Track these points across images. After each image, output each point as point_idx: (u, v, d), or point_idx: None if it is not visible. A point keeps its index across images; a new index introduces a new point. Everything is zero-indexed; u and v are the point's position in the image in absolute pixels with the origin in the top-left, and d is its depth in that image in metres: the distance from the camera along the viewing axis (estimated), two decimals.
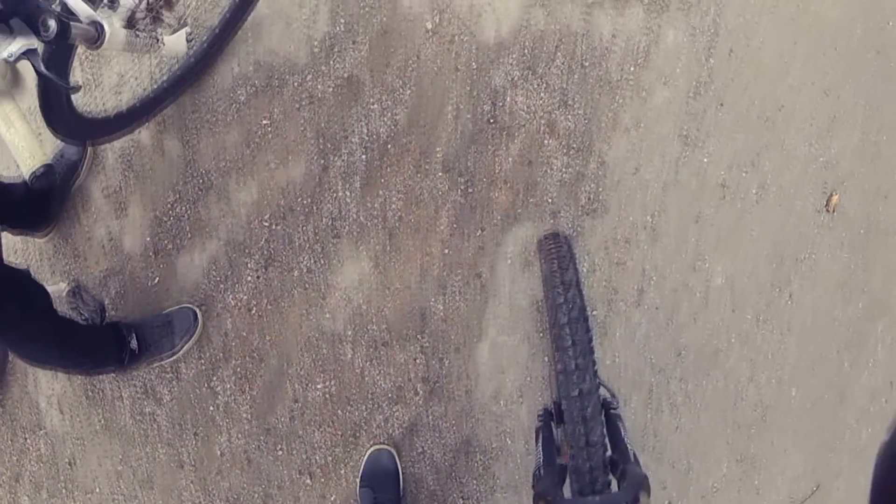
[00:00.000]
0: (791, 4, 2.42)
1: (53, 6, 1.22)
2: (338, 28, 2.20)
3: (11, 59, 1.17)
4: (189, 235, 2.15)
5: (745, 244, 2.30)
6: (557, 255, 1.79)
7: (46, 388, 2.22)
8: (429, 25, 2.21)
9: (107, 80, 2.17)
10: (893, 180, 2.52)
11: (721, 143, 2.25)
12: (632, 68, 2.24)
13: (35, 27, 1.17)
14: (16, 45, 1.18)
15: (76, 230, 2.21)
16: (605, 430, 1.47)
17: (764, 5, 2.40)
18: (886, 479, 1.01)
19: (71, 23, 1.25)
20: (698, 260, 2.26)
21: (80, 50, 1.67)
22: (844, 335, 2.47)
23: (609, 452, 1.46)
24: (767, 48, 2.36)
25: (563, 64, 2.22)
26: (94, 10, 1.31)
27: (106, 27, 1.34)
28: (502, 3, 2.23)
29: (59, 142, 1.98)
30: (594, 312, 2.20)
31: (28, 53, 1.20)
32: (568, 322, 1.58)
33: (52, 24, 1.18)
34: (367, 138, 2.13)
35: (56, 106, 1.58)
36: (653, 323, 2.25)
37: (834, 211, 2.40)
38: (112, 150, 2.21)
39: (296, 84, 2.19)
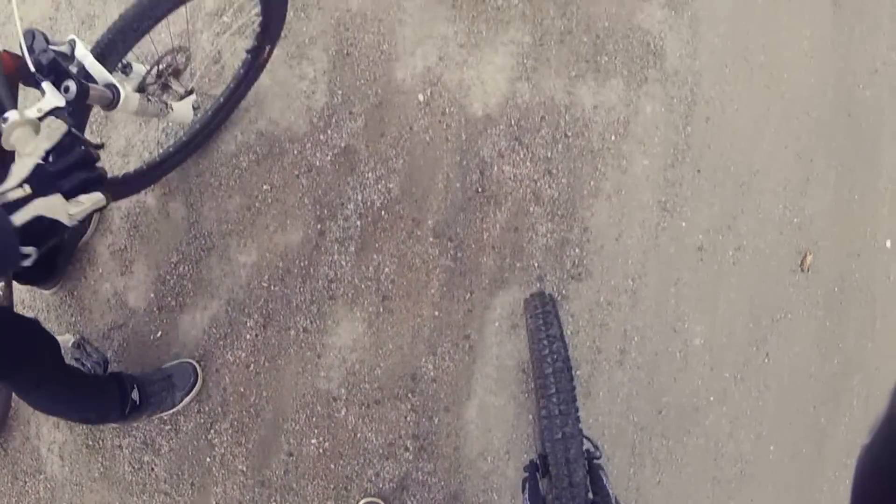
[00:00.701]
0: (764, 73, 2.63)
1: (71, 67, 1.33)
2: (335, 100, 2.39)
3: (40, 116, 1.24)
4: (191, 294, 2.33)
5: (722, 305, 2.48)
6: (543, 311, 1.98)
7: (48, 435, 2.39)
8: (421, 98, 2.40)
9: (114, 144, 2.35)
10: (865, 239, 2.71)
11: (699, 208, 2.45)
12: (613, 138, 2.43)
13: (56, 88, 1.26)
14: (45, 103, 1.26)
15: (82, 285, 2.41)
16: (587, 474, 1.63)
17: (739, 75, 2.61)
18: (867, 481, 1.05)
19: (90, 85, 1.34)
20: (678, 321, 2.44)
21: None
22: (821, 391, 2.65)
23: (591, 496, 1.61)
24: (742, 116, 2.57)
25: (547, 135, 2.41)
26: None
27: (121, 91, 1.44)
28: (490, 78, 2.42)
29: None
30: (578, 372, 2.38)
31: (56, 111, 1.27)
32: (553, 372, 1.75)
33: (73, 86, 1.29)
34: (362, 206, 2.32)
35: None
36: (635, 382, 2.42)
37: (808, 270, 2.58)
38: (119, 211, 2.40)
39: (295, 152, 2.41)
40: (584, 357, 2.40)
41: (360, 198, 2.34)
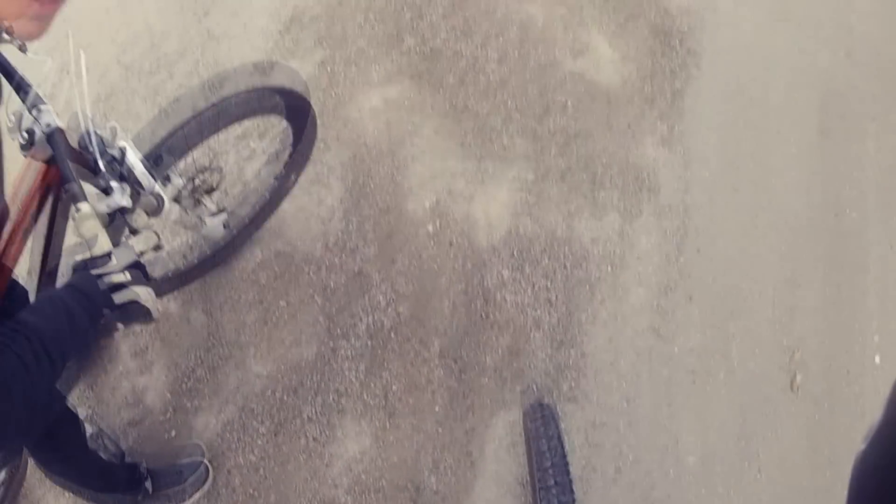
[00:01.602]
0: (753, 204, 3.05)
1: (128, 210, 1.49)
2: (350, 227, 2.72)
3: (107, 213, 1.41)
4: (207, 398, 2.61)
5: (715, 424, 2.74)
6: (542, 415, 2.23)
7: None
8: (430, 229, 2.71)
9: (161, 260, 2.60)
10: (853, 358, 2.97)
11: (691, 334, 2.75)
12: (609, 269, 2.72)
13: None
14: (113, 202, 1.42)
15: (102, 380, 2.65)
16: None
17: (729, 206, 3.04)
18: (862, 488, 1.07)
19: (141, 192, 1.51)
20: (671, 440, 2.70)
21: None
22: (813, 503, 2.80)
23: None
24: (732, 245, 2.94)
25: (548, 266, 2.71)
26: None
27: (165, 200, 1.59)
28: (495, 212, 2.74)
29: None
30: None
31: (122, 211, 1.45)
32: (551, 465, 1.95)
33: (129, 190, 1.44)
34: (373, 326, 2.60)
35: None
36: (630, 500, 2.60)
37: (798, 390, 2.78)
38: None
39: (311, 273, 2.75)
40: (580, 475, 2.64)
41: (371, 319, 2.61)
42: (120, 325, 1.45)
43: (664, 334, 2.73)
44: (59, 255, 1.75)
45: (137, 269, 1.33)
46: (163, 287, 2.49)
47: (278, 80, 2.11)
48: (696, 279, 2.80)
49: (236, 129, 2.74)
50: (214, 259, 2.63)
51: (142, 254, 1.45)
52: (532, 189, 2.95)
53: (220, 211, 2.25)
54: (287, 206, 2.73)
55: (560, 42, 3.46)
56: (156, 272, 2.50)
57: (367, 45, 3.31)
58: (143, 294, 1.32)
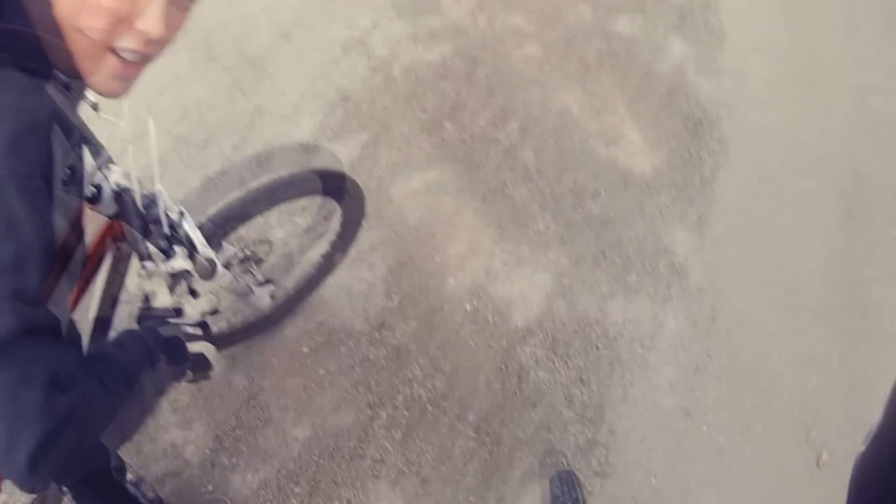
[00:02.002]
0: (780, 286, 3.25)
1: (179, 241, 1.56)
2: (391, 303, 2.88)
3: (170, 273, 1.51)
4: (245, 456, 2.74)
5: (743, 500, 2.82)
6: (567, 481, 2.37)
7: None
8: (468, 308, 2.88)
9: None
10: None
11: (719, 413, 2.88)
12: (640, 350, 2.86)
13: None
14: (177, 264, 1.49)
15: (143, 431, 2.73)
16: None
17: (756, 289, 3.22)
18: (862, 489, 1.10)
19: (196, 257, 1.56)
20: None
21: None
22: None
23: None
24: (760, 326, 3.11)
25: (580, 346, 2.86)
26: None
27: (218, 266, 1.62)
28: (531, 294, 2.91)
29: None
30: None
31: (184, 273, 1.53)
32: None
33: (186, 252, 1.53)
34: (409, 398, 2.74)
35: None
36: None
37: (824, 467, 2.85)
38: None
39: (352, 345, 2.91)
40: None
41: (408, 391, 2.76)
42: (189, 374, 1.50)
43: (692, 413, 2.85)
44: (114, 306, 1.92)
45: (205, 326, 1.45)
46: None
47: (327, 161, 2.28)
48: (724, 359, 2.93)
49: (286, 206, 2.91)
50: (258, 326, 2.80)
51: (204, 314, 1.61)
52: (566, 272, 3.11)
53: (268, 282, 2.39)
54: (330, 280, 2.91)
55: (594, 131, 3.68)
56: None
57: (410, 129, 3.54)
58: (209, 349, 1.44)
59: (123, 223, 1.56)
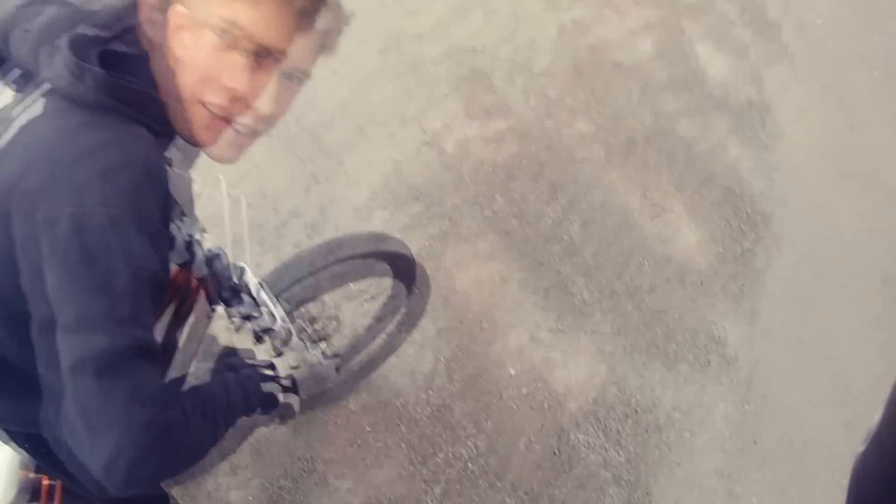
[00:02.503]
0: (817, 352, 3.35)
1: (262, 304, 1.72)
2: (438, 367, 3.05)
3: (256, 331, 1.67)
4: None
5: None
6: None
7: None
8: (512, 372, 3.05)
9: None
10: None
11: (754, 475, 2.99)
12: (678, 415, 2.98)
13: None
14: (264, 322, 1.65)
15: (199, 484, 2.81)
16: None
17: (794, 356, 3.33)
18: (862, 488, 1.10)
19: (274, 324, 1.71)
20: None
21: None
22: None
23: None
24: (797, 391, 3.23)
25: (620, 411, 3.01)
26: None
27: (293, 334, 1.76)
28: (573, 360, 3.08)
29: None
30: None
31: (268, 331, 1.69)
32: None
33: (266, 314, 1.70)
34: (451, 456, 2.89)
35: None
36: None
37: None
38: (234, 428, 2.85)
39: (398, 405, 3.06)
40: None
41: (451, 449, 2.89)
42: (277, 420, 1.63)
43: (728, 475, 2.94)
44: (191, 361, 2.11)
45: (292, 379, 1.54)
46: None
47: (396, 247, 2.47)
48: (761, 424, 3.02)
49: (355, 285, 3.08)
50: (321, 399, 2.92)
51: (290, 368, 1.71)
52: (608, 340, 3.24)
53: (334, 356, 2.50)
54: (393, 360, 3.00)
55: (638, 206, 3.84)
56: None
57: (477, 225, 3.73)
58: (295, 400, 1.54)
59: (212, 286, 1.70)
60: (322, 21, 1.14)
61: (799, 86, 4.90)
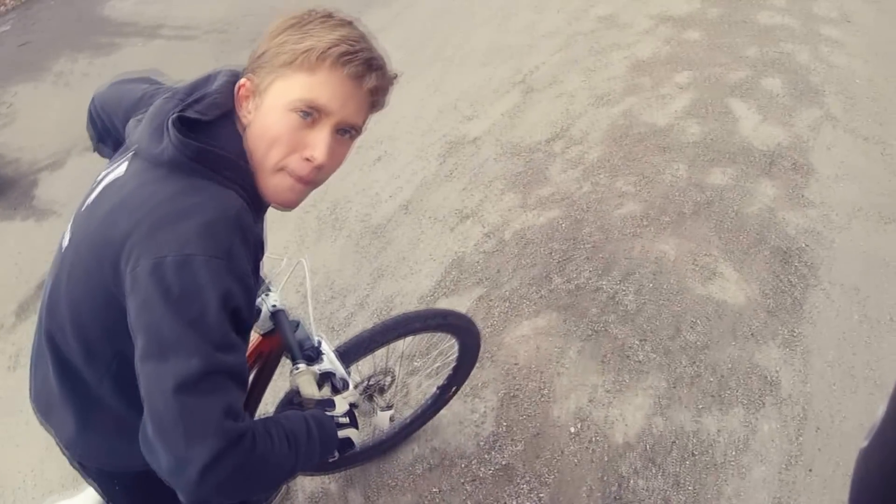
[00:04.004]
0: (869, 384, 3.47)
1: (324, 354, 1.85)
2: (500, 429, 3.30)
3: (318, 373, 1.76)
4: None
5: None
6: None
7: None
8: (572, 430, 3.29)
9: None
10: None
11: (810, 500, 3.08)
12: (733, 453, 3.15)
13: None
14: (323, 366, 1.78)
15: None
16: None
17: (846, 389, 3.47)
18: (864, 483, 1.13)
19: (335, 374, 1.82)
20: None
21: None
22: None
23: None
24: (850, 421, 3.33)
25: (677, 455, 3.18)
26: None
27: (350, 384, 1.82)
28: (630, 415, 3.34)
29: None
30: None
31: (328, 374, 1.79)
32: None
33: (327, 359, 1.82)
34: None
35: None
36: None
37: None
38: (303, 492, 2.93)
39: (463, 466, 3.26)
40: None
41: (514, 503, 3.10)
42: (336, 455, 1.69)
43: (785, 502, 3.06)
44: (256, 407, 2.47)
45: (352, 415, 1.64)
46: (326, 467, 2.84)
47: (457, 318, 2.83)
48: (815, 454, 3.15)
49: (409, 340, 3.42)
50: (376, 450, 2.97)
51: (351, 405, 1.73)
52: (664, 394, 3.46)
53: (388, 407, 2.55)
54: (445, 412, 3.11)
55: (690, 272, 4.10)
56: None
57: (520, 284, 4.08)
58: (355, 434, 1.61)
59: (285, 336, 1.90)
60: (370, 81, 1.28)
61: (841, 144, 5.14)
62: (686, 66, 6.08)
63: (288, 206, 1.36)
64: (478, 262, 3.94)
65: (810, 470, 3.18)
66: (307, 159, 1.27)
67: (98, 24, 7.01)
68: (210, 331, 1.13)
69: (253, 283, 1.25)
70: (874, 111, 5.50)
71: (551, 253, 4.27)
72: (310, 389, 1.66)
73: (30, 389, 1.64)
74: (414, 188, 4.44)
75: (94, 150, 1.77)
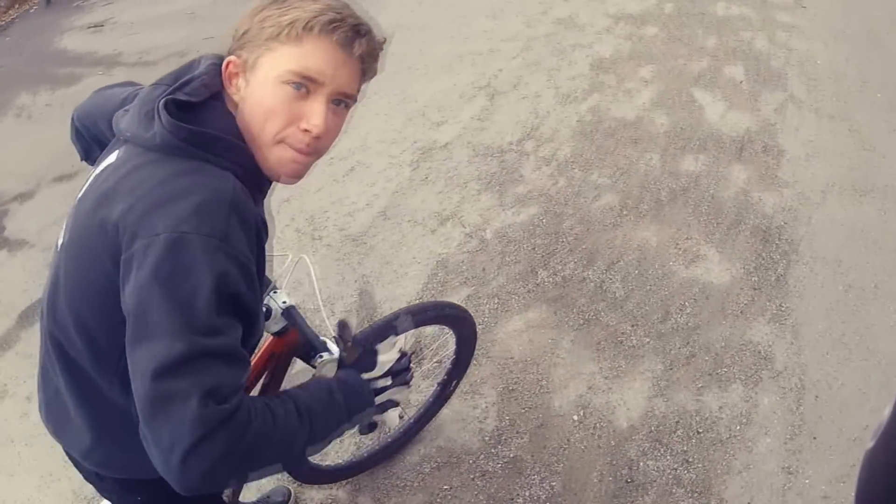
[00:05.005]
0: (861, 349, 3.56)
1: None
2: (504, 423, 3.32)
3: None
4: None
5: None
6: None
7: None
8: (576, 418, 3.32)
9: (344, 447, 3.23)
10: None
11: (819, 466, 3.13)
12: (738, 427, 3.21)
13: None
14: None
15: None
16: None
17: (839, 357, 3.54)
18: (871, 483, 1.12)
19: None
20: None
21: None
22: None
23: None
24: (847, 387, 3.41)
25: (682, 434, 3.22)
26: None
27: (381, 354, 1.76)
28: (631, 399, 3.38)
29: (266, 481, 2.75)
30: None
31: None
32: None
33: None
34: (529, 500, 3.12)
35: (300, 468, 2.50)
36: None
37: None
38: (311, 501, 2.88)
39: (471, 462, 3.26)
40: None
41: (527, 494, 3.14)
42: (377, 419, 1.70)
43: (794, 471, 3.11)
44: None
45: (397, 373, 1.61)
46: (334, 474, 2.85)
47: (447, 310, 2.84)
48: (818, 421, 3.20)
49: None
50: (381, 455, 2.98)
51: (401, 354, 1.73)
52: (662, 376, 3.50)
53: (396, 405, 2.87)
54: (445, 411, 3.10)
55: (673, 256, 4.16)
56: (342, 461, 3.11)
57: (506, 280, 4.10)
58: (396, 393, 1.64)
59: (301, 329, 1.95)
60: (359, 47, 1.26)
61: (808, 124, 5.26)
62: (648, 60, 6.18)
63: (293, 178, 1.34)
64: (462, 261, 3.95)
65: (815, 437, 3.24)
66: (305, 130, 1.26)
67: (55, 57, 7.09)
68: (198, 314, 1.09)
69: (254, 267, 1.21)
70: (836, 91, 5.65)
71: (534, 248, 4.30)
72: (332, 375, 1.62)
73: (40, 406, 1.58)
74: (390, 195, 4.45)
75: (83, 161, 1.74)
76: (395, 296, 4.06)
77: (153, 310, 1.08)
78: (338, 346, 1.65)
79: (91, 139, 1.63)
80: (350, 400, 1.40)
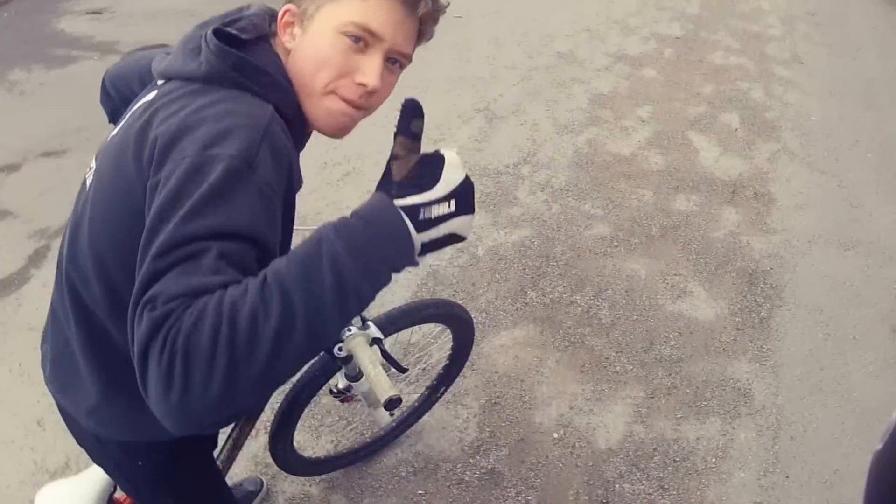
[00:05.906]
0: (837, 396, 3.66)
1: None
2: (484, 434, 3.37)
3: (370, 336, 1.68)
4: None
5: None
6: None
7: None
8: (555, 436, 3.38)
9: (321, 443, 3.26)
10: None
11: (790, 503, 3.16)
12: (713, 460, 3.28)
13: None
14: (373, 333, 1.71)
15: None
16: None
17: (815, 402, 3.64)
18: (879, 485, 1.14)
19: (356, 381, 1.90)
20: None
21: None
22: None
23: None
24: (821, 431, 3.51)
25: (659, 461, 3.29)
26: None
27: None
28: (611, 422, 3.45)
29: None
30: None
31: (378, 340, 1.71)
32: None
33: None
34: None
35: (283, 446, 2.46)
36: None
37: None
38: (283, 494, 2.88)
39: (448, 469, 3.30)
40: None
41: None
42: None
43: None
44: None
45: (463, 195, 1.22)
46: (308, 469, 2.87)
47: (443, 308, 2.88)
48: (791, 461, 3.29)
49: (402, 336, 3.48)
50: (359, 453, 3.01)
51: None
52: (643, 403, 3.59)
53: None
54: (426, 418, 3.15)
55: (661, 290, 4.26)
56: (308, 452, 3.14)
57: (496, 297, 4.18)
58: (467, 223, 1.24)
59: None
60: (424, 7, 1.23)
61: (799, 176, 5.43)
62: (645, 100, 6.34)
63: (339, 131, 1.31)
64: (453, 275, 4.03)
65: (787, 476, 3.33)
66: (360, 84, 1.23)
67: (53, 38, 7.10)
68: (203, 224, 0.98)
69: (280, 200, 1.13)
70: (828, 146, 5.84)
71: (525, 269, 4.39)
72: (365, 352, 1.51)
73: (43, 361, 1.52)
74: None
75: (110, 123, 1.63)
76: (384, 302, 4.10)
77: (163, 229, 0.98)
78: (396, 137, 1.14)
79: (121, 101, 1.57)
80: (382, 236, 1.09)
